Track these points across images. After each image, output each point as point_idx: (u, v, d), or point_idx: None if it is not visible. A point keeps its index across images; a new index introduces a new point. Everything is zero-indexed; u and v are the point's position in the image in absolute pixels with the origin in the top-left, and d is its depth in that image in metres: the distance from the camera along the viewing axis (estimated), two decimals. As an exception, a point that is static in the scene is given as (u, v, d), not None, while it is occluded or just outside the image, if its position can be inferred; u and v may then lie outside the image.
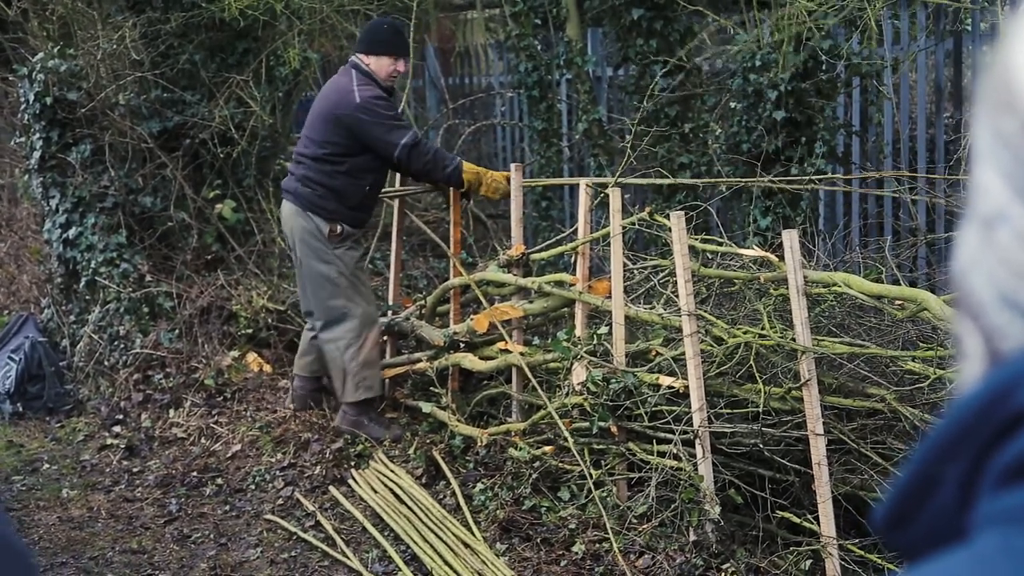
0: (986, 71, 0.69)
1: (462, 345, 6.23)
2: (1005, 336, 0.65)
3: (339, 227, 6.18)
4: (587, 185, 5.64)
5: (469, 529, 5.19)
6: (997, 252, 0.65)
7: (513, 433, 5.68)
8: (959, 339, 0.70)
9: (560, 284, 5.76)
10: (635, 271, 5.50)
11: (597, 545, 4.95)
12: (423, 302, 6.72)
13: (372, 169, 6.23)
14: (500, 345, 5.95)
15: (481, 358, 6.10)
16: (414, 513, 5.38)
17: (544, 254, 6.12)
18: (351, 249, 6.26)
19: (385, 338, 6.62)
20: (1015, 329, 0.65)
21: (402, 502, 5.52)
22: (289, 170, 6.44)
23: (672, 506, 4.84)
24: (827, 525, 4.49)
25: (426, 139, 6.18)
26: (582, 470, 5.15)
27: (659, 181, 6.41)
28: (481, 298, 6.18)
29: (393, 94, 6.46)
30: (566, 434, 5.20)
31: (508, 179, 6.23)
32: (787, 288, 4.60)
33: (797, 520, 4.65)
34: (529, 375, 5.59)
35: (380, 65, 6.19)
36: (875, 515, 0.69)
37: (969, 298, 0.68)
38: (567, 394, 5.32)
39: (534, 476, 5.36)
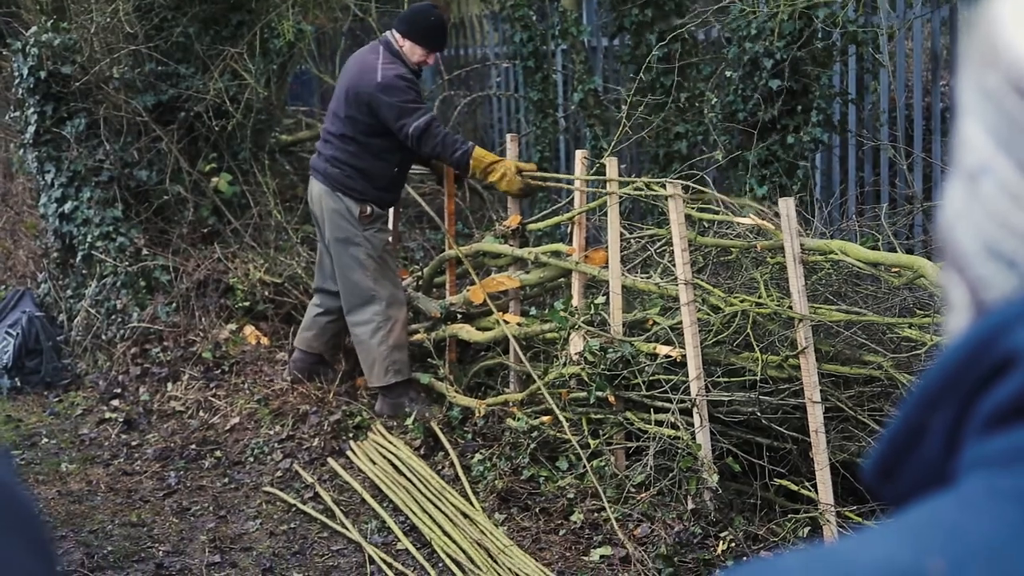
0: (972, 29, 0.70)
1: (459, 316, 6.23)
2: (989, 286, 0.66)
3: (368, 208, 6.12)
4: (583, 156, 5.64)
5: (468, 499, 5.20)
6: (982, 204, 0.66)
7: (511, 403, 5.69)
8: (946, 292, 0.71)
9: (557, 254, 5.76)
10: (632, 240, 5.49)
11: (596, 514, 4.97)
12: (420, 273, 6.72)
13: (398, 148, 6.12)
14: (497, 315, 5.95)
15: (478, 329, 6.11)
16: (412, 484, 5.40)
17: (541, 224, 6.11)
18: (380, 231, 6.21)
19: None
20: (999, 279, 0.65)
21: (401, 473, 5.54)
22: (317, 148, 6.37)
23: (670, 475, 4.85)
24: (825, 492, 4.51)
25: (439, 123, 6.03)
26: (580, 439, 5.17)
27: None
28: (471, 272, 6.17)
29: (420, 75, 6.37)
30: (556, 411, 5.21)
31: (521, 171, 6.01)
32: (784, 256, 4.60)
33: (795, 488, 4.66)
34: (516, 348, 5.59)
35: (413, 51, 6.11)
36: (865, 467, 0.70)
37: (955, 251, 0.69)
38: (564, 364, 5.33)
39: (532, 446, 5.37)
